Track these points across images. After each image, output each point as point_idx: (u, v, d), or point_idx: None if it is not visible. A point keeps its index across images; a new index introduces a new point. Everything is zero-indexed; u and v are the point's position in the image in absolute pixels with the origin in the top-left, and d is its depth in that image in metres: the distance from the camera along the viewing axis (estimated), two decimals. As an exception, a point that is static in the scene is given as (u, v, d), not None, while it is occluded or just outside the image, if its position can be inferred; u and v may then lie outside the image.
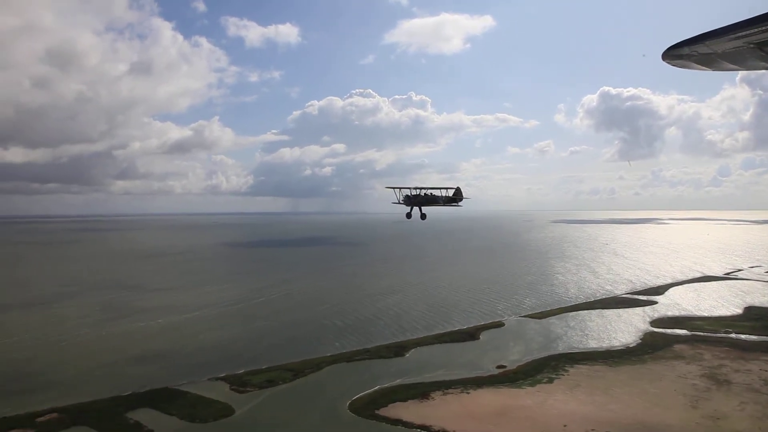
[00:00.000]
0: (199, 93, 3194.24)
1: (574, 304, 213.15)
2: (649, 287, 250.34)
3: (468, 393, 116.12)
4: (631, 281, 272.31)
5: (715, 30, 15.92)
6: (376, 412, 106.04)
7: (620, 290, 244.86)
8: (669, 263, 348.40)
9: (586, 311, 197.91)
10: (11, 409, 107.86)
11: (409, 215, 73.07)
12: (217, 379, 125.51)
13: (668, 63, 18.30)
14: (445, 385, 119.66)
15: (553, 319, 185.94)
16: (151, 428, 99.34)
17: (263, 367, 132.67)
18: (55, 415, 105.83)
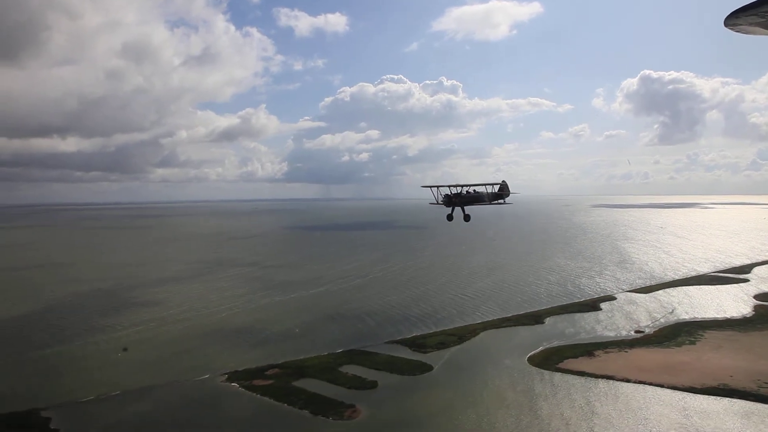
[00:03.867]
0: (244, 82, 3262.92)
1: (671, 280, 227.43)
2: (730, 267, 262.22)
3: (626, 351, 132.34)
4: (709, 261, 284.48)
5: None
6: (558, 366, 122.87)
7: (705, 269, 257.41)
8: (737, 244, 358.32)
9: (684, 287, 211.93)
10: (241, 363, 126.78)
11: (450, 217, 66.20)
12: (394, 342, 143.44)
13: (731, 29, 17.68)
14: (601, 346, 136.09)
15: (658, 293, 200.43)
16: (373, 379, 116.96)
17: (428, 332, 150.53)
18: (277, 370, 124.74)
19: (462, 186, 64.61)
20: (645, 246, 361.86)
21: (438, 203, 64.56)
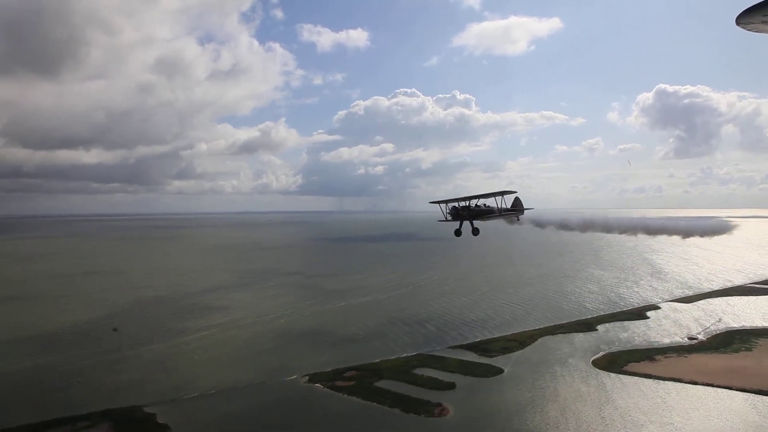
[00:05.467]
0: (265, 96, 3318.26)
1: (709, 290, 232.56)
2: (766, 278, 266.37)
3: (685, 357, 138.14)
4: (742, 272, 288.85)
5: None
6: (623, 368, 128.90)
7: (740, 280, 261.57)
8: (765, 257, 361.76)
9: (725, 297, 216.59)
10: (317, 366, 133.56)
11: (458, 232, 63.89)
12: (458, 347, 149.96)
13: (742, 27, 17.73)
14: (660, 351, 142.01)
15: (700, 303, 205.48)
16: (450, 380, 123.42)
17: (489, 338, 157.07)
18: (354, 372, 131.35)
19: (471, 198, 61.63)
20: (673, 258, 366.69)
21: (447, 219, 62.95)
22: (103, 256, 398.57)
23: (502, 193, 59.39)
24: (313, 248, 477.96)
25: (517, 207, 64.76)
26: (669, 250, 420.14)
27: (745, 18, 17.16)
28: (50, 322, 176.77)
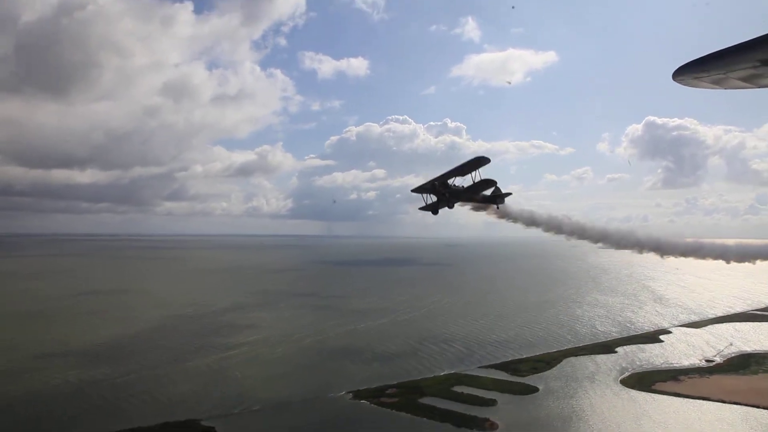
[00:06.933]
0: (262, 120, 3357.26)
1: (714, 316, 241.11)
2: (766, 305, 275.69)
3: (707, 377, 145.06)
4: (740, 299, 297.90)
5: (726, 49, 16.23)
6: (651, 387, 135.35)
7: (741, 307, 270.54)
8: (758, 285, 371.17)
9: (731, 323, 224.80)
10: (356, 384, 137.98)
11: (434, 210, 62.05)
12: (488, 366, 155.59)
13: (679, 83, 18.49)
14: (682, 372, 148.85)
15: (708, 328, 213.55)
16: (490, 398, 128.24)
17: (517, 358, 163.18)
18: (395, 389, 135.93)
19: (448, 175, 59.47)
20: (670, 285, 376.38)
21: (426, 204, 61.58)
22: (107, 276, 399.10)
23: (477, 166, 58.43)
24: (317, 271, 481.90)
25: (497, 193, 64.92)
26: (664, 278, 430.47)
27: (678, 76, 18.37)
28: (81, 338, 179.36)
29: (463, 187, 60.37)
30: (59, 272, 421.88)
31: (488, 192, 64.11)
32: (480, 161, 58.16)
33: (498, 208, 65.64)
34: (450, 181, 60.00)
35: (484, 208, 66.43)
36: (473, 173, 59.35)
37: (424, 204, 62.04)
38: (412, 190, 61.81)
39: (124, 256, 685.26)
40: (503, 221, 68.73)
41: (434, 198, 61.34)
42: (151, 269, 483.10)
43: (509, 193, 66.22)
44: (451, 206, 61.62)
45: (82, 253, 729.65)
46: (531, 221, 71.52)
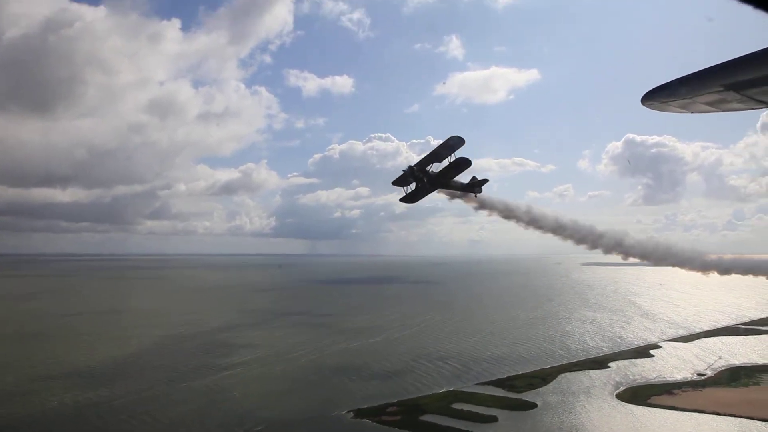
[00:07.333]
0: (246, 137, 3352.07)
1: (701, 330, 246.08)
2: (749, 320, 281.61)
3: (701, 390, 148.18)
4: (724, 313, 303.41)
5: (691, 74, 16.70)
6: (647, 401, 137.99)
7: (725, 321, 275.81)
8: (740, 299, 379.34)
9: (718, 337, 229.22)
10: (355, 402, 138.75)
11: (412, 198, 61.80)
12: (484, 383, 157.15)
13: (648, 107, 19.19)
14: (675, 386, 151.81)
15: (697, 342, 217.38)
16: (490, 414, 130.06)
17: (512, 374, 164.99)
18: (395, 408, 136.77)
19: (426, 161, 59.17)
20: (655, 300, 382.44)
21: (406, 194, 61.43)
22: (94, 296, 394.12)
23: (453, 147, 57.40)
24: (305, 290, 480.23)
25: (474, 182, 64.67)
26: (649, 294, 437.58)
27: (647, 101, 18.90)
28: (76, 359, 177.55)
29: (441, 172, 59.72)
30: (46, 292, 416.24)
31: (466, 180, 63.98)
32: (454, 140, 56.82)
33: (476, 196, 65.30)
34: (428, 168, 59.50)
35: (462, 197, 65.72)
36: (450, 157, 58.43)
37: (404, 194, 61.88)
38: (393, 182, 62.10)
39: (109, 276, 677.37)
40: (490, 226, 69.61)
41: (413, 188, 60.99)
42: (139, 288, 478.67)
43: (486, 180, 65.85)
44: (429, 192, 61.06)
45: (66, 274, 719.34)
46: (507, 212, 71.47)
